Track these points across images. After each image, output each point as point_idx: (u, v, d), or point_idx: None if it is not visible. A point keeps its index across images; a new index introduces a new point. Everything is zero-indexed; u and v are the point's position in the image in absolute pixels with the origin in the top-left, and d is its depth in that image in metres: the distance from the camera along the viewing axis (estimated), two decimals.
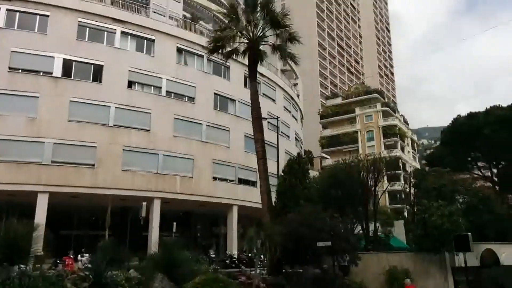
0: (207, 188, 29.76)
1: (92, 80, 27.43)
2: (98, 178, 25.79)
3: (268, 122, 33.96)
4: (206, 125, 30.98)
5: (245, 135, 32.24)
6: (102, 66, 27.56)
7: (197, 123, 30.58)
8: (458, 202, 27.14)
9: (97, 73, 27.64)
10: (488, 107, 40.88)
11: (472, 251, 19.99)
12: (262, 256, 22.84)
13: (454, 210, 22.31)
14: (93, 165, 25.94)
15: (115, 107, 27.33)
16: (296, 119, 43.90)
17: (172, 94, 30.12)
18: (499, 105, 40.29)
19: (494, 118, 38.15)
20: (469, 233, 20.06)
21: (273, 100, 37.96)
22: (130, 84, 28.61)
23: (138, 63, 28.91)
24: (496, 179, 41.03)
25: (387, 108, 71.21)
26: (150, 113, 28.52)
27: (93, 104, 26.76)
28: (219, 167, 31.04)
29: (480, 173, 43.62)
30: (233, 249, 28.93)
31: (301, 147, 45.54)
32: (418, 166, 68.24)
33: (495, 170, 41.78)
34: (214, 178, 30.58)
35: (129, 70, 28.43)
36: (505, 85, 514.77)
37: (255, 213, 28.28)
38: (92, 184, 25.46)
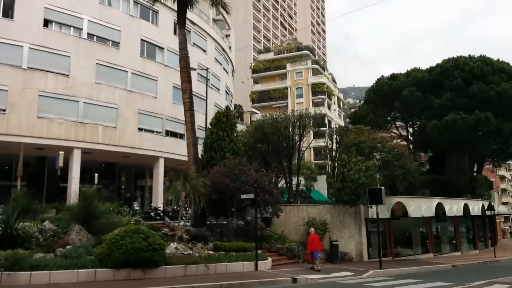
0: (132, 139, 28.72)
1: (3, 16, 24.59)
2: (10, 124, 23.75)
3: (198, 73, 33.11)
4: (132, 73, 29.38)
5: (173, 86, 31.19)
6: (13, 0, 24.75)
7: (122, 70, 28.85)
8: (376, 158, 28.84)
9: (8, 8, 24.75)
10: (409, 69, 43.22)
11: (384, 203, 21.54)
12: (187, 208, 22.99)
13: (370, 165, 23.69)
14: (4, 110, 23.78)
15: (29, 48, 24.88)
16: (227, 72, 43.25)
17: (95, 37, 27.96)
18: (419, 67, 42.71)
19: (413, 80, 40.46)
20: (383, 187, 21.54)
21: (204, 51, 36.84)
22: (47, 22, 26.04)
23: (56, 0, 26.32)
24: (411, 138, 44.17)
25: (317, 66, 72.56)
26: (69, 56, 26.38)
27: (3, 42, 24.14)
28: (145, 117, 29.91)
29: (397, 132, 46.69)
30: (159, 202, 28.64)
31: (231, 101, 45.30)
32: (343, 123, 71.30)
33: (411, 130, 44.90)
34: (140, 129, 29.51)
35: (45, 7, 25.78)
36: (426, 47, 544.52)
37: (182, 165, 28.10)
38: (4, 131, 23.43)
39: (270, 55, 77.39)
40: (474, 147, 38.56)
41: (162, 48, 31.99)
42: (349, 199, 22.53)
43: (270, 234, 22.62)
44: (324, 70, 74.81)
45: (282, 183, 30.58)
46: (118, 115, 28.12)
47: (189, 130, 21.70)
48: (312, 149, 58.84)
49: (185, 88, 21.96)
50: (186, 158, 22.49)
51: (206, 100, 31.12)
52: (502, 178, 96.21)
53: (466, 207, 31.69)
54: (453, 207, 30.24)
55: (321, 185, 36.60)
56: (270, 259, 18.74)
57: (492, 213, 35.19)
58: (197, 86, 30.33)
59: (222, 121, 24.05)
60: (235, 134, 24.48)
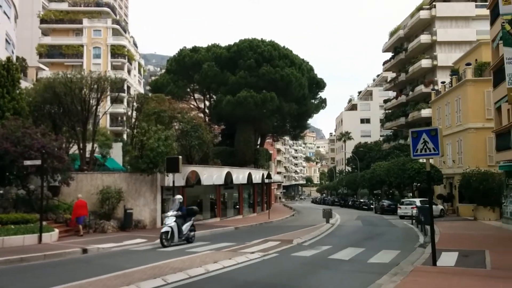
0: None
1: None
2: None
3: None
4: None
5: None
6: None
7: None
8: (175, 128, 29.46)
9: None
10: (211, 44, 45.21)
11: (181, 172, 22.33)
12: None
13: (169, 135, 24.10)
14: None
15: None
16: (8, 17, 36.66)
17: None
18: (219, 44, 45.10)
19: (213, 55, 42.57)
20: (180, 156, 22.24)
21: None
22: None
23: None
24: (207, 110, 46.59)
25: (117, 26, 68.41)
26: None
27: None
28: None
29: (196, 104, 48.57)
30: None
31: (13, 52, 38.84)
32: (142, 91, 69.91)
33: (208, 103, 47.30)
34: None
35: None
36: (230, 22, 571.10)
37: None
38: None
39: (64, 6, 69.00)
40: (260, 122, 43.31)
41: None
42: (147, 167, 22.46)
43: (58, 204, 20.85)
44: (125, 32, 71.22)
45: (74, 149, 28.24)
46: None
47: None
48: (108, 115, 55.94)
49: None
50: None
51: None
52: (279, 151, 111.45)
53: (250, 175, 35.59)
54: (240, 175, 33.59)
55: (116, 153, 35.27)
56: (57, 230, 17.35)
57: (269, 181, 40.50)
58: None
59: (1, 75, 20.53)
60: (18, 91, 21.27)
